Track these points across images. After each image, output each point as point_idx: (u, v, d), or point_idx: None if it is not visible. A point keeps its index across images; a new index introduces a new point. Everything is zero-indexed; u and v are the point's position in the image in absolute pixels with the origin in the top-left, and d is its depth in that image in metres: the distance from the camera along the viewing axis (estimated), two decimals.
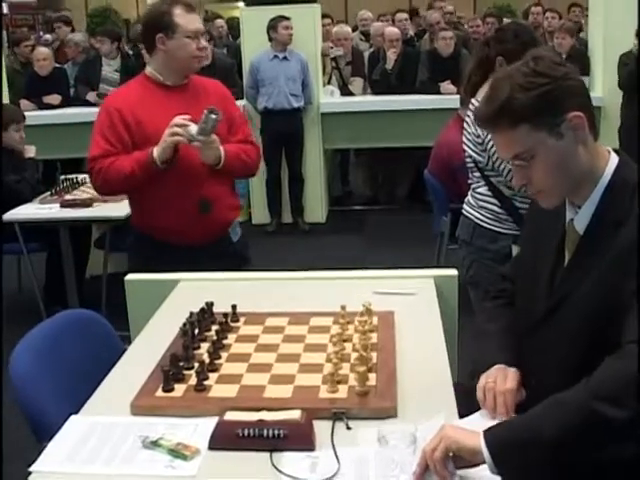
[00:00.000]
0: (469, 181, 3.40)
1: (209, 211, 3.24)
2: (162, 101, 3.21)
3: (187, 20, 3.19)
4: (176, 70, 3.24)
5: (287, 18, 7.17)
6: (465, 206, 3.40)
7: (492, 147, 3.10)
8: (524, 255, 2.26)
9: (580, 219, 1.95)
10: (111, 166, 3.14)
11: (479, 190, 3.29)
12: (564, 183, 1.90)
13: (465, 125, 3.32)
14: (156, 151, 3.09)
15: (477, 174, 3.28)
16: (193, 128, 3.05)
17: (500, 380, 1.96)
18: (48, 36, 10.05)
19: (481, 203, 3.27)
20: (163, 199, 3.21)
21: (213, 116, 3.01)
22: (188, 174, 3.17)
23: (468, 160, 3.31)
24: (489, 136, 3.08)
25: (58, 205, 4.84)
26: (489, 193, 3.24)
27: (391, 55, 7.70)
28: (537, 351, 2.03)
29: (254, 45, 7.39)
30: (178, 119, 3.07)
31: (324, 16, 9.49)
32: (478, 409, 1.97)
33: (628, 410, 1.59)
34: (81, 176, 5.40)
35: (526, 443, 1.64)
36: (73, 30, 9.91)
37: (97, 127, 3.24)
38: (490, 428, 1.68)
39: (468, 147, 3.27)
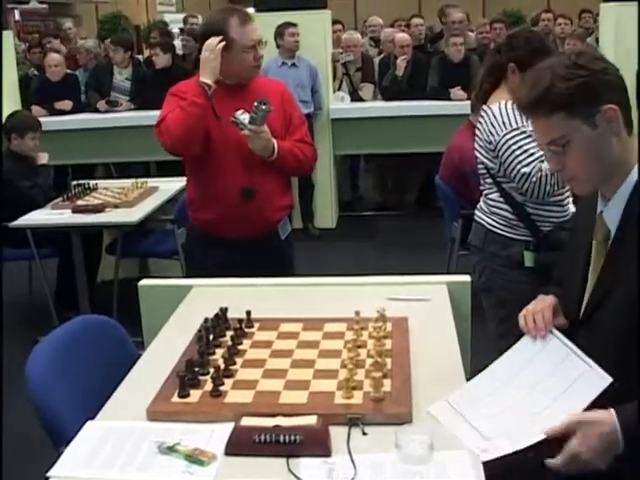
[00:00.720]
0: (481, 187, 3.40)
1: (252, 198, 3.28)
2: (222, 96, 3.25)
3: (242, 34, 3.24)
4: (234, 76, 3.32)
5: (294, 25, 7.17)
6: (477, 212, 3.40)
7: (504, 153, 3.11)
8: (567, 249, 2.31)
9: (609, 212, 2.00)
10: (169, 116, 3.25)
11: (491, 196, 3.29)
12: (596, 171, 1.97)
13: (477, 131, 3.32)
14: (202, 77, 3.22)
15: (489, 180, 3.29)
16: (245, 117, 3.13)
17: (537, 303, 2.13)
18: (57, 42, 10.10)
19: (493, 209, 3.28)
20: (213, 185, 3.34)
21: (263, 107, 3.10)
22: (236, 160, 3.26)
23: (480, 166, 3.32)
24: (501, 142, 3.11)
25: (70, 211, 4.85)
26: (501, 199, 3.24)
27: (401, 62, 7.71)
28: None
29: (264, 51, 7.39)
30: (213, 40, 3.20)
31: (335, 22, 9.51)
32: None
33: None
34: (93, 182, 5.44)
35: None
36: (62, 41, 10.03)
37: (164, 106, 3.36)
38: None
39: (480, 153, 3.28)
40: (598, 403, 1.82)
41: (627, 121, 1.95)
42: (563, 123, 1.91)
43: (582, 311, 2.06)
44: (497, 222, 3.26)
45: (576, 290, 2.10)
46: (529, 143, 3.05)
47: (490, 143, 3.19)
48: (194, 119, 3.20)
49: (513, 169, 3.10)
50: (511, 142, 3.09)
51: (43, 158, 5.37)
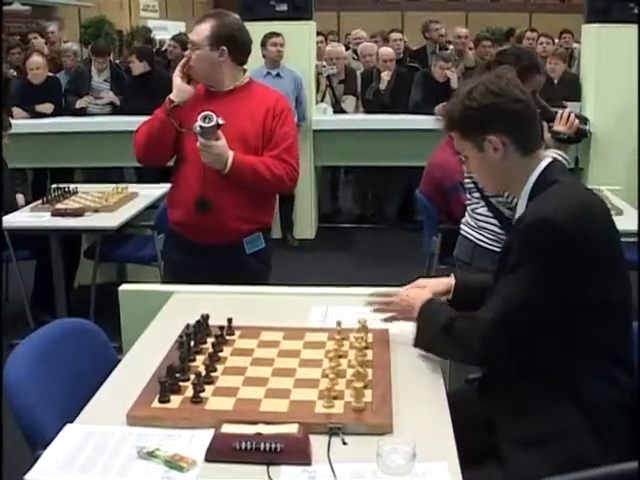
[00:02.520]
0: (467, 202, 3.42)
1: (206, 209, 3.33)
2: (202, 104, 3.31)
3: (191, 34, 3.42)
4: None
5: (277, 34, 7.17)
6: (463, 227, 3.42)
7: None
8: None
9: (518, 213, 2.27)
10: (140, 127, 3.45)
11: (479, 211, 3.33)
12: (491, 182, 2.39)
13: None
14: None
15: (477, 194, 3.33)
16: (198, 128, 3.15)
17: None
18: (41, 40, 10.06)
19: (481, 224, 3.32)
20: (177, 190, 3.51)
21: (203, 123, 3.11)
22: (196, 170, 3.32)
23: (467, 181, 3.35)
24: None
25: (49, 214, 4.81)
26: (489, 214, 3.28)
27: (384, 76, 7.75)
28: None
29: (250, 60, 7.39)
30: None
31: (317, 34, 9.53)
32: (470, 420, 2.14)
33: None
34: (72, 185, 5.40)
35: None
36: (47, 42, 10.00)
37: None
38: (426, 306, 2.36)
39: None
40: None
41: (522, 146, 2.21)
42: (459, 141, 2.28)
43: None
44: (485, 236, 3.30)
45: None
46: None
47: None
48: (155, 133, 3.34)
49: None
50: None
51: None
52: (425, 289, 2.49)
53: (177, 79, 3.35)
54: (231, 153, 3.24)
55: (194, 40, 3.37)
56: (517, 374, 2.16)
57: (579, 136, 3.39)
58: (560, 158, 3.30)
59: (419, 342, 2.33)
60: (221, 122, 3.12)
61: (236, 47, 3.39)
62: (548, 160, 2.24)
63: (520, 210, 2.24)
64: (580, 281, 2.06)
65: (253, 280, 3.25)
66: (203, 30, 3.34)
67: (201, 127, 3.11)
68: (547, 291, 2.06)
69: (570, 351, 2.09)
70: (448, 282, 2.54)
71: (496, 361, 2.20)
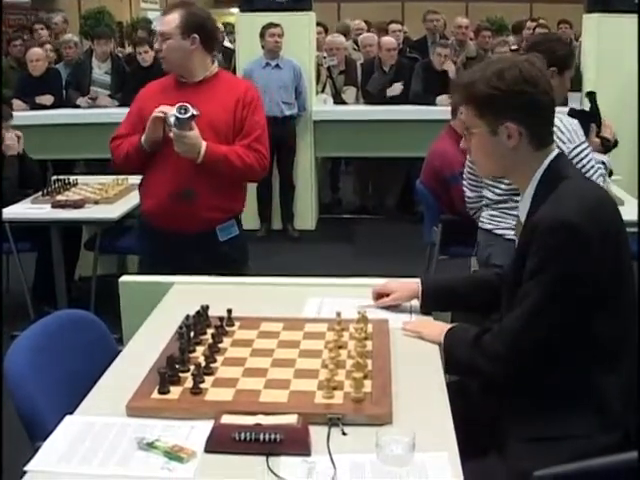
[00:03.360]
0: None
1: (191, 200, 3.43)
2: (173, 95, 3.41)
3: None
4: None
5: (275, 25, 7.17)
6: (501, 230, 3.45)
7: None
8: None
9: (521, 208, 2.25)
10: (117, 147, 3.57)
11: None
12: (490, 166, 2.29)
13: None
14: (143, 135, 3.41)
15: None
16: (172, 119, 3.23)
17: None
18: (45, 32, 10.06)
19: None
20: (151, 178, 3.55)
21: (178, 114, 3.20)
22: (171, 159, 3.38)
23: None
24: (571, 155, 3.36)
25: (49, 205, 4.82)
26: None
27: (387, 61, 7.77)
28: None
29: (248, 51, 7.41)
30: (163, 107, 3.30)
31: (317, 25, 9.51)
32: (472, 411, 2.19)
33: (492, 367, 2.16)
34: (73, 177, 5.40)
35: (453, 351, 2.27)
36: (51, 32, 9.98)
37: (127, 113, 3.69)
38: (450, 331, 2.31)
39: None
40: None
41: (535, 140, 2.14)
42: (472, 116, 2.17)
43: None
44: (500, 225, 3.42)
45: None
46: (591, 156, 3.27)
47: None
48: (135, 161, 3.52)
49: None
50: (582, 155, 3.24)
51: (11, 149, 5.22)
52: (396, 295, 2.59)
53: (147, 129, 3.40)
54: (204, 143, 3.32)
55: (164, 31, 3.43)
56: (534, 375, 2.13)
57: (616, 143, 3.50)
58: (607, 163, 3.42)
59: (451, 367, 2.28)
60: (196, 113, 3.21)
61: (206, 34, 3.48)
62: (554, 153, 2.19)
63: (526, 204, 2.19)
64: (596, 279, 2.03)
65: (228, 267, 3.30)
66: (172, 20, 3.42)
67: (177, 118, 3.19)
68: (570, 294, 2.03)
69: (587, 350, 2.07)
70: (414, 288, 2.58)
71: (525, 368, 2.12)
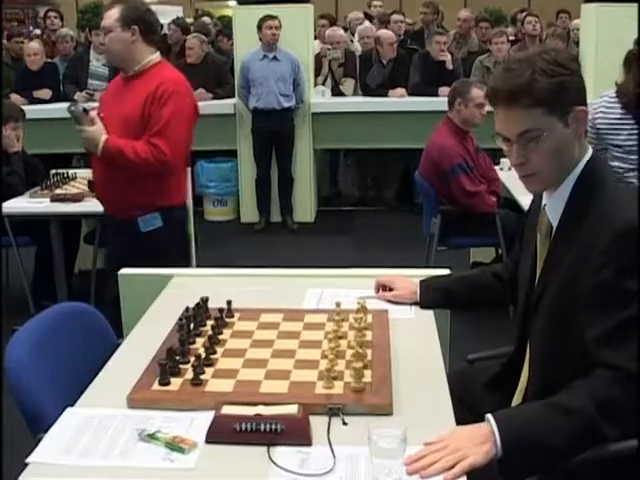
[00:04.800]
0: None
1: (93, 189, 3.84)
2: (118, 89, 3.73)
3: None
4: None
5: (272, 17, 7.16)
6: None
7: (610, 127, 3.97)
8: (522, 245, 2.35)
9: (552, 205, 2.06)
10: None
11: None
12: (556, 169, 2.00)
13: None
14: None
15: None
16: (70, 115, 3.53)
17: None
18: (38, 31, 10.01)
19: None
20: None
21: (72, 108, 3.49)
22: (94, 155, 3.64)
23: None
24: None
25: (48, 199, 4.83)
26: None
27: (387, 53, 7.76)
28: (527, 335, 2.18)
29: (246, 44, 7.40)
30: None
31: (321, 17, 9.53)
32: (471, 399, 2.19)
33: (621, 429, 1.79)
34: (71, 171, 5.40)
35: (536, 451, 1.77)
36: (63, 25, 9.90)
37: None
38: (503, 436, 1.76)
39: None
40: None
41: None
42: (541, 117, 1.93)
43: (532, 301, 2.13)
44: None
45: (526, 281, 2.20)
46: None
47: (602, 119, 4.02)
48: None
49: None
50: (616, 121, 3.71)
51: (11, 147, 5.24)
52: (397, 293, 2.57)
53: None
54: (103, 137, 3.50)
55: (106, 25, 3.58)
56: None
57: None
58: None
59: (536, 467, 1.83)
60: (88, 108, 3.52)
61: (146, 26, 3.63)
62: (591, 150, 2.05)
63: (558, 204, 2.03)
64: None
65: (149, 258, 3.33)
66: (113, 14, 3.58)
67: (70, 113, 3.46)
68: None
69: None
70: (412, 288, 2.57)
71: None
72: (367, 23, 9.12)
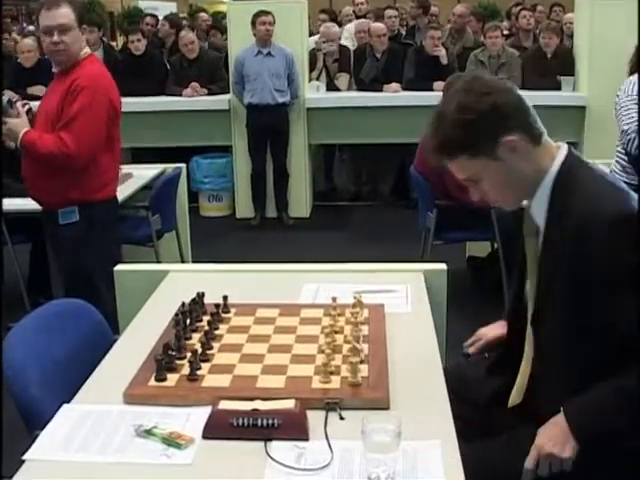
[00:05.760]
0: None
1: (20, 182, 3.91)
2: (51, 86, 3.83)
3: (42, 18, 3.62)
4: (51, 60, 3.81)
5: (266, 13, 7.14)
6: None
7: (620, 112, 3.99)
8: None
9: (534, 207, 2.05)
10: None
11: (617, 148, 4.07)
12: (514, 193, 2.05)
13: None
14: None
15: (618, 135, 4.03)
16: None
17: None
18: (32, 27, 9.98)
19: (616, 159, 4.11)
20: None
21: None
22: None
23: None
24: (622, 102, 4.00)
25: None
26: (622, 151, 4.02)
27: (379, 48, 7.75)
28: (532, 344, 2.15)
29: (240, 40, 7.38)
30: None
31: (322, 11, 9.52)
32: (467, 394, 2.17)
33: None
34: None
35: (606, 435, 1.92)
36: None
37: None
38: (576, 425, 1.91)
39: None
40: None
41: (532, 136, 1.98)
42: (467, 164, 1.97)
43: (531, 310, 2.12)
44: (617, 168, 4.06)
45: (515, 285, 2.23)
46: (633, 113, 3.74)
47: (615, 103, 4.07)
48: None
49: (620, 124, 3.98)
50: (623, 105, 3.90)
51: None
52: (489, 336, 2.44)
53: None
54: (23, 130, 3.59)
55: (65, 23, 3.59)
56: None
57: None
58: None
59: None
60: (12, 100, 3.62)
61: (88, 24, 3.90)
62: (566, 147, 2.05)
63: (541, 207, 2.03)
64: None
65: (64, 249, 3.76)
66: (68, 12, 3.61)
67: None
68: None
69: None
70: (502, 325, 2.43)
71: None
72: (356, 21, 9.11)
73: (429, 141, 2.00)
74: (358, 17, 9.40)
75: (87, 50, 3.76)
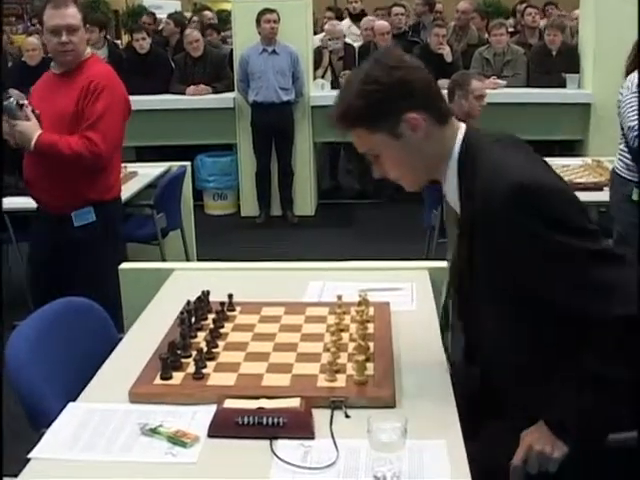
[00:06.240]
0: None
1: (25, 185, 3.83)
2: (50, 87, 3.68)
3: (49, 17, 3.54)
4: (55, 61, 3.71)
5: (270, 11, 7.14)
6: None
7: (624, 110, 3.96)
8: None
9: (448, 192, 2.02)
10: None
11: (620, 146, 4.08)
12: (415, 171, 2.00)
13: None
14: None
15: (621, 132, 4.02)
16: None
17: None
18: (38, 26, 9.97)
19: (619, 156, 4.08)
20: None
21: (6, 103, 3.46)
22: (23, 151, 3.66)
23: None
24: (626, 100, 3.97)
25: None
26: (626, 149, 4.01)
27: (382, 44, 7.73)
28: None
29: (245, 38, 7.38)
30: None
31: (329, 9, 9.50)
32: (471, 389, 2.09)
33: None
34: None
35: (599, 428, 1.88)
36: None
37: None
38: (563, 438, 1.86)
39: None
40: None
41: (436, 118, 1.94)
42: (367, 137, 1.93)
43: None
44: (620, 166, 4.06)
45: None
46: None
47: (618, 101, 4.05)
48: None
49: (624, 122, 3.94)
50: (627, 102, 3.91)
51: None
52: None
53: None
54: (37, 132, 3.50)
55: (74, 23, 3.55)
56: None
57: None
58: None
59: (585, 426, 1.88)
60: (22, 102, 3.48)
61: (90, 23, 3.83)
62: (464, 127, 2.00)
63: (451, 185, 1.98)
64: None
65: (81, 252, 3.63)
66: (75, 13, 3.58)
67: (4, 107, 3.44)
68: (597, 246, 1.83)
69: None
70: None
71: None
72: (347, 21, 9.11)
73: (334, 109, 1.96)
74: (351, 15, 9.36)
75: (89, 50, 3.75)
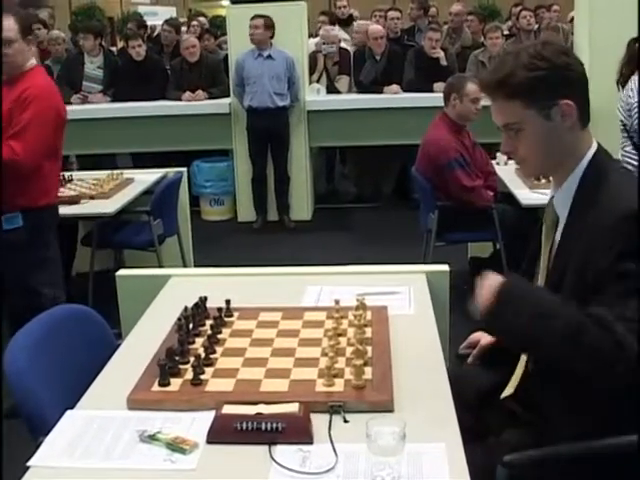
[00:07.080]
0: (620, 141, 4.15)
1: None
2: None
3: None
4: None
5: (259, 16, 7.14)
6: None
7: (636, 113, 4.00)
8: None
9: (559, 197, 2.06)
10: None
11: (626, 149, 4.01)
12: (545, 159, 2.03)
13: (621, 95, 4.18)
14: None
15: (625, 134, 3.99)
16: None
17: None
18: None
19: (625, 159, 3.98)
20: None
21: None
22: None
23: (619, 123, 4.10)
24: (633, 102, 4.00)
25: None
26: (633, 151, 3.97)
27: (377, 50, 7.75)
28: None
29: (239, 43, 7.38)
30: None
31: (322, 13, 9.50)
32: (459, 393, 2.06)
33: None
34: (68, 173, 5.38)
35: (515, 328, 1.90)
36: (48, 30, 9.88)
37: None
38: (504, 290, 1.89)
39: (619, 112, 4.16)
40: None
41: (582, 116, 1.98)
42: (519, 110, 1.96)
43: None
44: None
45: (528, 271, 2.20)
46: None
47: (627, 104, 4.03)
48: None
49: (632, 124, 3.98)
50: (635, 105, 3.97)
51: None
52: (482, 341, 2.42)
53: None
54: None
55: (10, 36, 3.58)
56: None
57: None
58: None
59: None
60: None
61: (30, 34, 3.74)
62: (596, 143, 2.04)
63: (566, 197, 2.01)
64: None
65: (9, 254, 3.72)
66: (12, 24, 3.60)
67: None
68: None
69: None
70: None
71: None
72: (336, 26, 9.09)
73: (488, 74, 2.03)
74: (339, 20, 9.36)
75: (33, 61, 3.78)
